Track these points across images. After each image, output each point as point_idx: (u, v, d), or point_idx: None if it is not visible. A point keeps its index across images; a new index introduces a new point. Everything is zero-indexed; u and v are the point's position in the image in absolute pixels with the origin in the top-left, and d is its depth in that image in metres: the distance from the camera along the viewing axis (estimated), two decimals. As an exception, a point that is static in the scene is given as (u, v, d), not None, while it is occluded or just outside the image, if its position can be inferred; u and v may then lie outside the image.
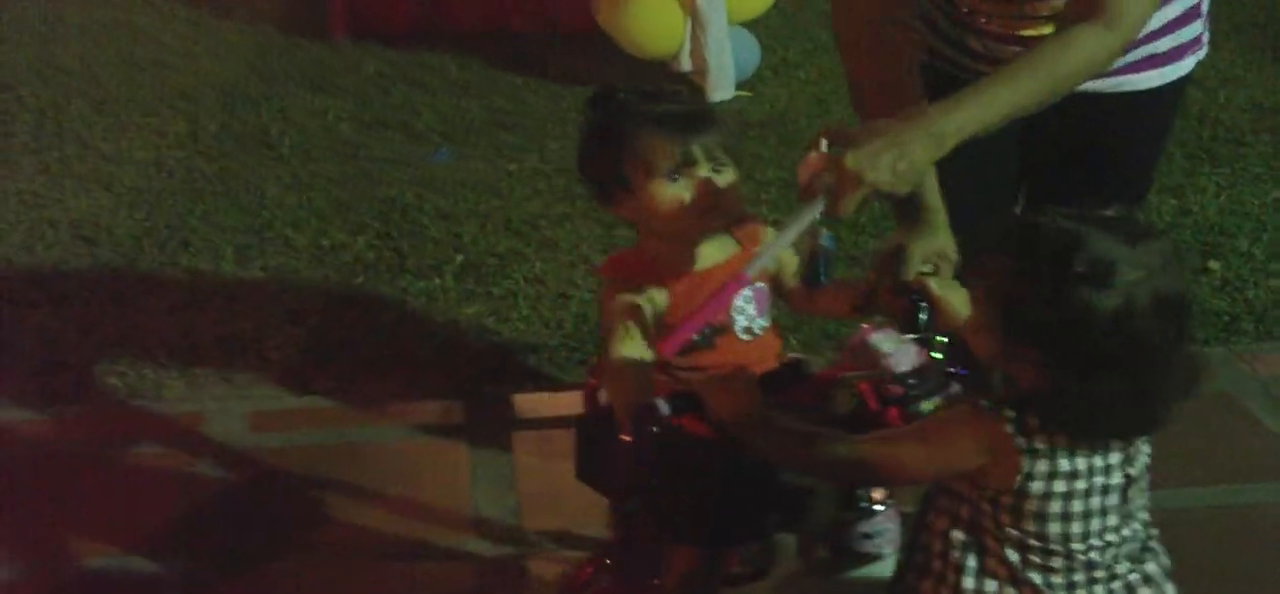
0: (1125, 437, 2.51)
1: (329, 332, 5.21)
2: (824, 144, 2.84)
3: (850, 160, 2.77)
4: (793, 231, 2.81)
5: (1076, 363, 2.39)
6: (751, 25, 7.75)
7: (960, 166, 3.40)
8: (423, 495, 4.33)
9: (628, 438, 2.75)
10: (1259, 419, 4.70)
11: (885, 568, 2.86)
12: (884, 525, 2.87)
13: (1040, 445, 2.47)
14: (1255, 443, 4.57)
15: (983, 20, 3.38)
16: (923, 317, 2.94)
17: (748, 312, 3.04)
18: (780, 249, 2.88)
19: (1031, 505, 2.50)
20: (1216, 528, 4.09)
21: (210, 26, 8.56)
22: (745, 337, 3.04)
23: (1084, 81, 3.10)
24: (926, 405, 2.73)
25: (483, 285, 5.52)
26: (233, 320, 5.28)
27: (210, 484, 4.41)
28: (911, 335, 2.87)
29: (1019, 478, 2.48)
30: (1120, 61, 3.27)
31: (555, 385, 4.93)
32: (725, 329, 3.01)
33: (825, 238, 2.92)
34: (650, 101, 3.01)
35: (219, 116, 7.22)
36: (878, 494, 2.84)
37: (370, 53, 8.16)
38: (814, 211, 2.78)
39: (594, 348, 5.04)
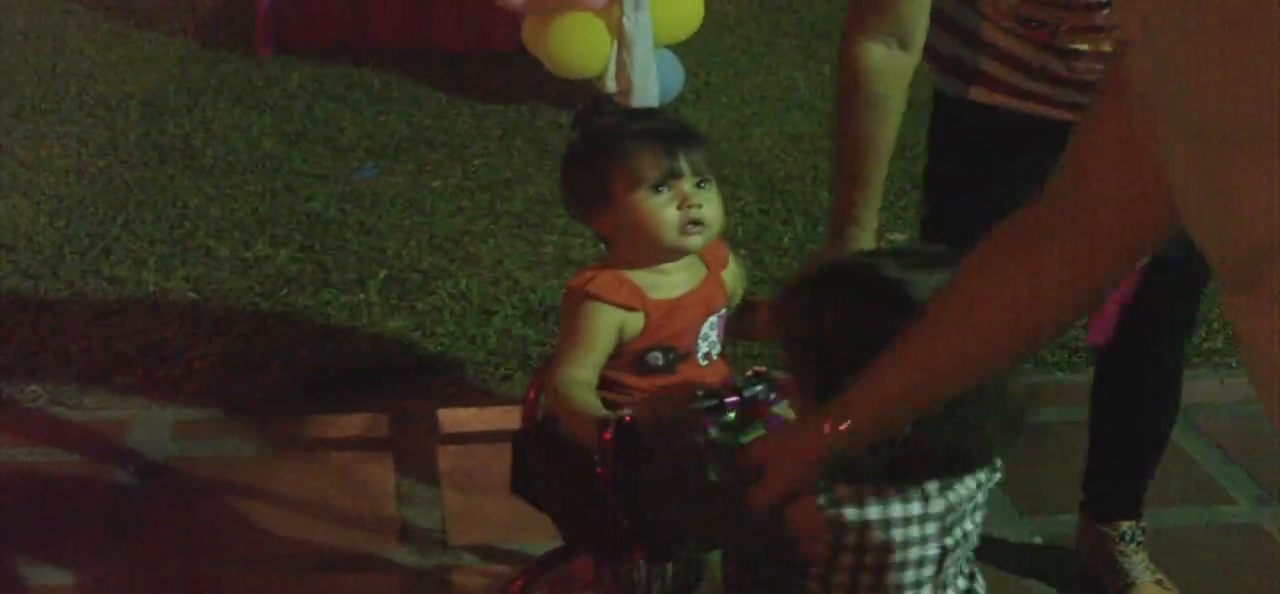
0: (940, 475, 2.36)
1: (253, 343, 5.18)
2: None
3: None
4: None
5: None
6: (676, 49, 7.78)
7: (1013, 201, 3.44)
8: (348, 507, 4.31)
9: (601, 468, 2.76)
10: (1178, 445, 4.74)
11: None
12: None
13: (847, 507, 2.33)
14: (1176, 468, 4.61)
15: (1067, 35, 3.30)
16: None
17: (711, 338, 3.06)
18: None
19: (841, 577, 2.38)
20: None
21: (133, 38, 8.53)
22: (704, 362, 3.06)
23: None
24: None
25: (407, 300, 5.50)
26: (156, 330, 5.23)
27: (133, 493, 4.37)
28: None
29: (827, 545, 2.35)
30: None
31: (480, 400, 4.91)
32: (688, 355, 3.03)
33: None
34: (638, 118, 3.03)
35: (140, 126, 7.18)
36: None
37: (294, 67, 8.14)
38: None
39: (518, 364, 5.05)
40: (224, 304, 5.45)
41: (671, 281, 3.02)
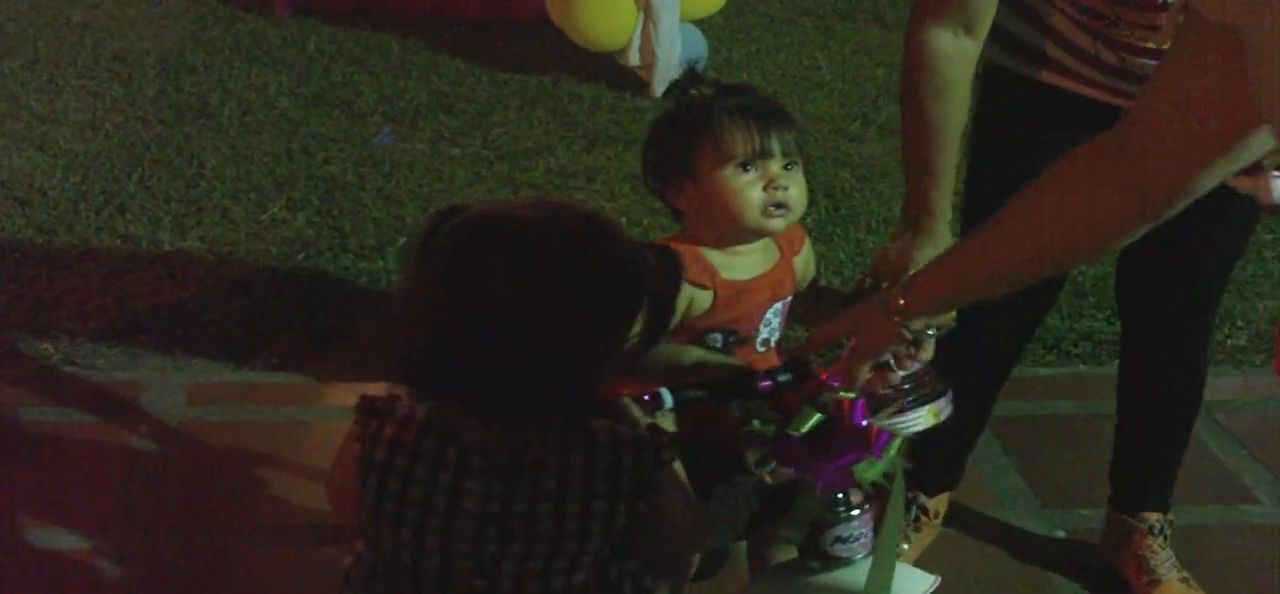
0: (495, 413, 2.23)
1: (270, 307, 5.12)
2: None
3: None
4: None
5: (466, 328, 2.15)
6: (699, 24, 7.73)
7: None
8: (363, 478, 4.25)
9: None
10: (1203, 443, 4.70)
11: (855, 572, 2.82)
12: (860, 530, 2.82)
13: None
14: (1200, 467, 4.56)
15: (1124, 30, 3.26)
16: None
17: (773, 324, 3.00)
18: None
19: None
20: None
21: (151, -5, 8.50)
22: (762, 348, 3.00)
23: None
24: (924, 411, 2.69)
25: (426, 268, 5.43)
26: (171, 290, 5.19)
27: (145, 457, 4.31)
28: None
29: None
30: None
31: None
32: (746, 340, 2.96)
33: None
34: (732, 93, 2.95)
35: (156, 83, 7.15)
36: (856, 497, 2.79)
37: (313, 29, 8.12)
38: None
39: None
40: (240, 266, 5.40)
41: (745, 263, 2.95)
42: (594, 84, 7.60)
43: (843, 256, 5.68)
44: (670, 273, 2.37)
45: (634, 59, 7.38)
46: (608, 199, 6.14)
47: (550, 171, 6.40)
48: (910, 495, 3.93)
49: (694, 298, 2.89)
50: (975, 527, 4.19)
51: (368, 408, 2.34)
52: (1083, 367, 5.04)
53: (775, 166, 2.88)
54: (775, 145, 2.88)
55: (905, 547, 3.90)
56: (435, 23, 8.30)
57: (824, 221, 5.90)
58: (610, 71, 7.60)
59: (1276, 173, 3.16)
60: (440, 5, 8.58)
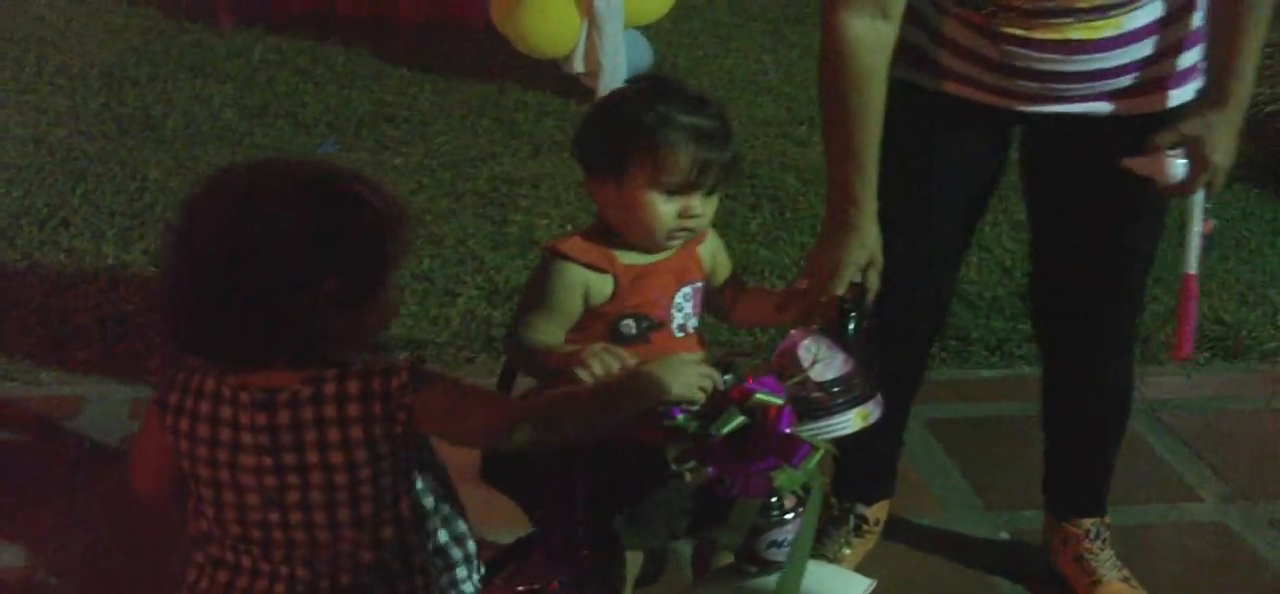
0: (232, 364, 2.40)
1: (213, 320, 5.09)
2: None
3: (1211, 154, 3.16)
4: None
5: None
6: (644, 30, 7.73)
7: (937, 181, 3.40)
8: (308, 490, 4.24)
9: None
10: (1147, 442, 4.73)
11: (788, 575, 2.84)
12: (795, 533, 2.84)
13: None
14: (1144, 466, 4.60)
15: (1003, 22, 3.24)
16: (851, 326, 2.92)
17: (686, 309, 3.00)
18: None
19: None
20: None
21: (93, 5, 8.45)
22: (679, 334, 3.00)
23: None
24: (853, 414, 2.70)
25: (369, 280, 5.43)
26: (115, 303, 5.17)
27: (87, 474, 4.29)
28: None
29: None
30: (1125, 80, 3.25)
31: (444, 382, 4.85)
32: (661, 325, 2.96)
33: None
34: (688, 108, 2.93)
35: (100, 97, 7.13)
36: (790, 502, 2.80)
37: (257, 40, 8.11)
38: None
39: (482, 345, 5.00)
40: (184, 279, 5.37)
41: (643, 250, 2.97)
42: (539, 91, 7.60)
43: (788, 261, 5.68)
44: (392, 228, 2.43)
45: (579, 66, 7.38)
46: (553, 206, 6.14)
47: (495, 179, 6.40)
48: (848, 505, 3.94)
49: (591, 284, 2.90)
50: (918, 531, 4.20)
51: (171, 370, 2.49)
52: (1026, 368, 5.06)
53: (698, 197, 2.89)
54: (708, 177, 2.89)
55: (847, 551, 3.91)
56: (380, 31, 8.30)
57: (769, 226, 5.90)
58: (555, 79, 7.60)
59: (1172, 153, 3.19)
60: (383, 13, 8.58)
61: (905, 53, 3.33)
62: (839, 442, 2.72)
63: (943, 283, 3.68)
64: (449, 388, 2.46)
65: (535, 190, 6.33)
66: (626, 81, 3.10)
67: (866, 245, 3.15)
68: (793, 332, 2.82)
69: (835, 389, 2.71)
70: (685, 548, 3.41)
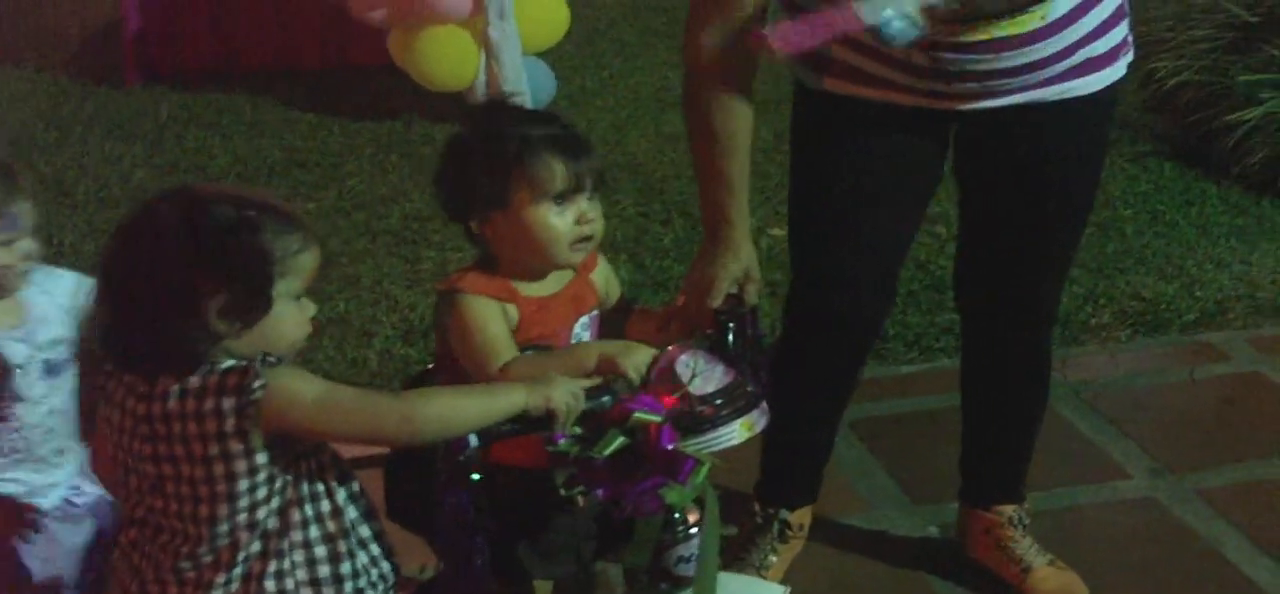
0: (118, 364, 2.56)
1: (129, 381, 5.06)
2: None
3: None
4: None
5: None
6: (547, 55, 7.73)
7: (876, 187, 3.38)
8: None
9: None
10: (1071, 422, 4.74)
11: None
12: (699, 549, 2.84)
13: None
14: (1069, 446, 4.61)
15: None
16: (731, 338, 2.92)
17: (584, 338, 2.99)
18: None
19: None
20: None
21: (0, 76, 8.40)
22: None
23: None
24: (737, 425, 2.70)
25: (286, 326, 5.40)
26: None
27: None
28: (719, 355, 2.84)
29: None
30: (1060, 67, 3.24)
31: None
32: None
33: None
34: (539, 122, 2.93)
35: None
36: (693, 516, 2.80)
37: (164, 96, 8.07)
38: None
39: (400, 384, 4.95)
40: (99, 342, 5.33)
41: (541, 283, 2.95)
42: (445, 124, 7.56)
43: (703, 274, 5.67)
44: (284, 247, 2.52)
45: (481, 97, 7.37)
46: (463, 241, 6.09)
47: (407, 217, 6.37)
48: (772, 512, 3.93)
49: (506, 311, 2.88)
50: (845, 531, 4.20)
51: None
52: (945, 361, 5.07)
53: (585, 200, 2.89)
54: (587, 179, 2.89)
55: (773, 559, 3.89)
56: (284, 79, 8.27)
57: (681, 240, 5.89)
58: (461, 111, 7.58)
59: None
60: (287, 60, 8.56)
61: (840, 68, 3.33)
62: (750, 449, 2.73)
63: (884, 291, 3.66)
64: (310, 380, 2.52)
65: (446, 227, 6.28)
66: (460, 122, 3.09)
67: (741, 259, 3.16)
68: (670, 348, 2.80)
69: (718, 402, 2.70)
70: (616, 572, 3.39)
